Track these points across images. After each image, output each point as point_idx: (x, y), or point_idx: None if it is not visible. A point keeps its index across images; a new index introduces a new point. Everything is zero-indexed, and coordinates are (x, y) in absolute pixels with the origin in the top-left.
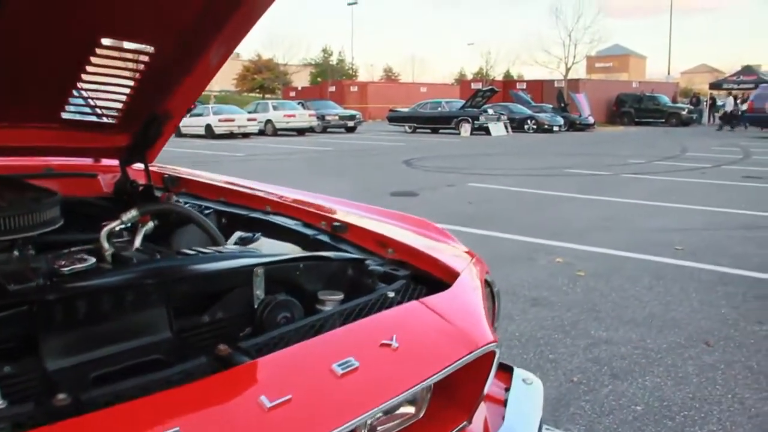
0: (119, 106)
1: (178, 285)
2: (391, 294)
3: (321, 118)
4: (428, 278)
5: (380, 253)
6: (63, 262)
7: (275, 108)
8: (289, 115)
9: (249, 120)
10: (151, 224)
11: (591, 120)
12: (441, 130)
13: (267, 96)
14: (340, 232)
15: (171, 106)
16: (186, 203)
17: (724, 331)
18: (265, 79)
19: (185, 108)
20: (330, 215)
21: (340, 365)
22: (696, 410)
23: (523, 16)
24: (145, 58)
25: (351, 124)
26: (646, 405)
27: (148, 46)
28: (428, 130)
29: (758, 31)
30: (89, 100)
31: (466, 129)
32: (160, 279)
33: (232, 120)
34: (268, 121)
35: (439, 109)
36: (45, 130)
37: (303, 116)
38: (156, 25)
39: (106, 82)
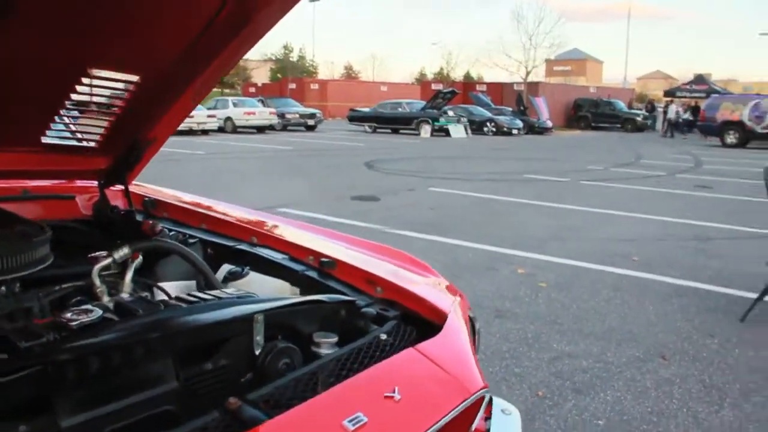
0: (101, 131)
1: (184, 336)
2: (384, 336)
3: (281, 116)
4: (417, 317)
5: (369, 291)
6: (69, 315)
7: (235, 105)
8: (249, 113)
9: (208, 117)
10: (140, 259)
11: (549, 124)
12: (401, 131)
13: (226, 91)
14: (328, 269)
15: (153, 132)
16: (170, 231)
17: (679, 344)
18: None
19: (167, 135)
20: (317, 249)
21: (350, 421)
22: (654, 425)
23: (486, 18)
24: (130, 87)
25: (311, 122)
26: (607, 420)
27: (134, 76)
28: (388, 131)
29: (710, 40)
30: (71, 125)
31: (426, 130)
32: (167, 331)
33: (191, 116)
34: (228, 119)
35: (400, 109)
36: (25, 154)
37: (263, 114)
38: (143, 57)
39: (90, 109)
